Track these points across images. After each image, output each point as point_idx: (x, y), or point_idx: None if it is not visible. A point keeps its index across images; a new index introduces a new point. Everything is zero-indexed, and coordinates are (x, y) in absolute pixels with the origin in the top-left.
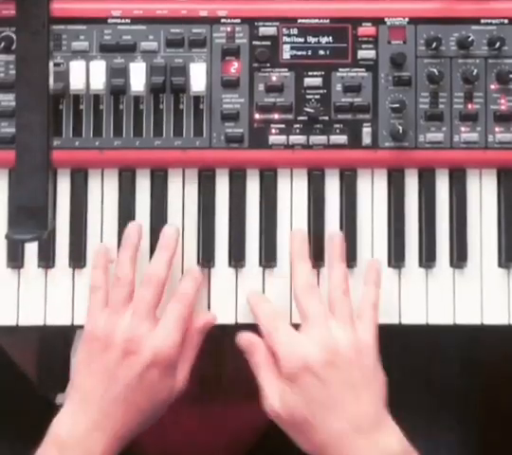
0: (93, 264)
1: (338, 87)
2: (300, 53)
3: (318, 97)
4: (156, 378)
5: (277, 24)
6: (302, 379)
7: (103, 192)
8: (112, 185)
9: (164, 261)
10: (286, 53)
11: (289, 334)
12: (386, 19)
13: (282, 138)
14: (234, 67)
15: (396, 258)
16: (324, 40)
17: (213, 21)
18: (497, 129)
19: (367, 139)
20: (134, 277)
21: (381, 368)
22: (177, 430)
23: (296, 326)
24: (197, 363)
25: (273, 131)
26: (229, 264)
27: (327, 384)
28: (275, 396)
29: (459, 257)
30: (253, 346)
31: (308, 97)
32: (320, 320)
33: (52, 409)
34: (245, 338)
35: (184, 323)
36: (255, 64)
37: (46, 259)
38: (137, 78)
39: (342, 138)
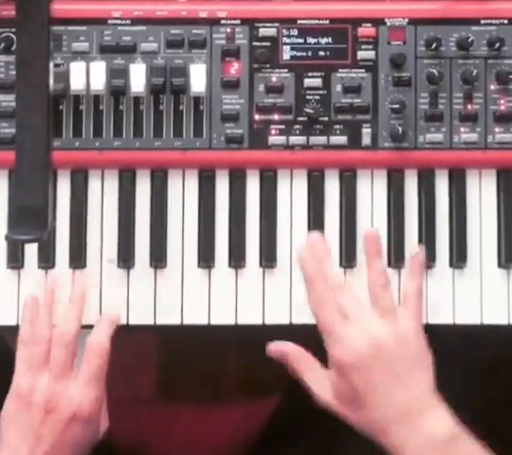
0: (22, 318)
1: (338, 88)
2: (299, 54)
3: (317, 97)
4: (80, 431)
5: (277, 25)
6: (351, 373)
7: (103, 193)
8: (112, 185)
9: (73, 317)
10: (286, 54)
11: (341, 325)
12: (386, 20)
13: (281, 139)
14: (234, 68)
15: (396, 258)
16: (324, 41)
17: (213, 22)
18: (497, 129)
19: (367, 140)
20: (51, 334)
21: (427, 352)
22: (179, 430)
23: (294, 326)
24: (197, 364)
25: (273, 131)
26: (229, 265)
27: (372, 377)
28: (325, 390)
29: (459, 257)
30: (298, 355)
31: (308, 97)
32: (362, 317)
33: None
34: (288, 350)
35: (101, 375)
36: (255, 65)
37: (47, 259)
38: (138, 79)
39: (342, 139)
